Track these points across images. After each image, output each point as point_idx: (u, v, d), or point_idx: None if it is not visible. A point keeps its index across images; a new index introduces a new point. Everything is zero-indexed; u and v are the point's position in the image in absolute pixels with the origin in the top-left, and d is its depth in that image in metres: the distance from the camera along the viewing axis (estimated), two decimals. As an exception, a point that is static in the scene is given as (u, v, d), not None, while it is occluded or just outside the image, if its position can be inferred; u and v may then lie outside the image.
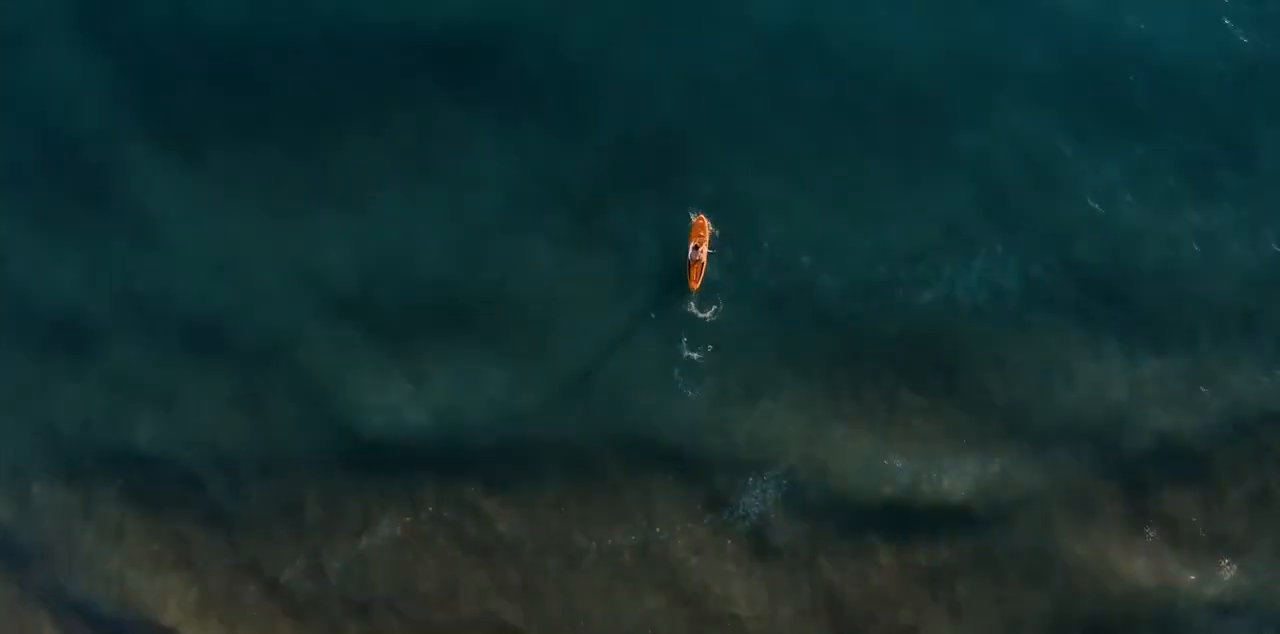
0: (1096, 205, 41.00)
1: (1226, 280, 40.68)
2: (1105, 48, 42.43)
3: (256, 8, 42.80)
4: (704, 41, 42.64)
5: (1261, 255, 40.78)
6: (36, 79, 42.54)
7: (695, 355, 39.88)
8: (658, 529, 38.49)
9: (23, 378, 40.02)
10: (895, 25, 42.48)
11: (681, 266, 40.16)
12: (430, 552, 38.38)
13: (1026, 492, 39.03)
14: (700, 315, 40.18)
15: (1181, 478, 39.10)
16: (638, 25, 42.63)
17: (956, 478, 39.08)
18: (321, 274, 40.58)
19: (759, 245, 40.64)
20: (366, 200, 41.09)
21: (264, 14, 42.70)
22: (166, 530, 38.51)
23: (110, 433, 39.30)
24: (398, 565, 38.39)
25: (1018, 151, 41.40)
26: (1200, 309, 40.33)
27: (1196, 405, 39.59)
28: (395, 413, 39.46)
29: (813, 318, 40.33)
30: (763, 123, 41.68)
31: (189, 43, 42.60)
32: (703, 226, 40.73)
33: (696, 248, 40.27)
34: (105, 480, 38.99)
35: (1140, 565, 38.57)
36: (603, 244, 40.99)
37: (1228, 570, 38.55)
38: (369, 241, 40.72)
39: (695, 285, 40.29)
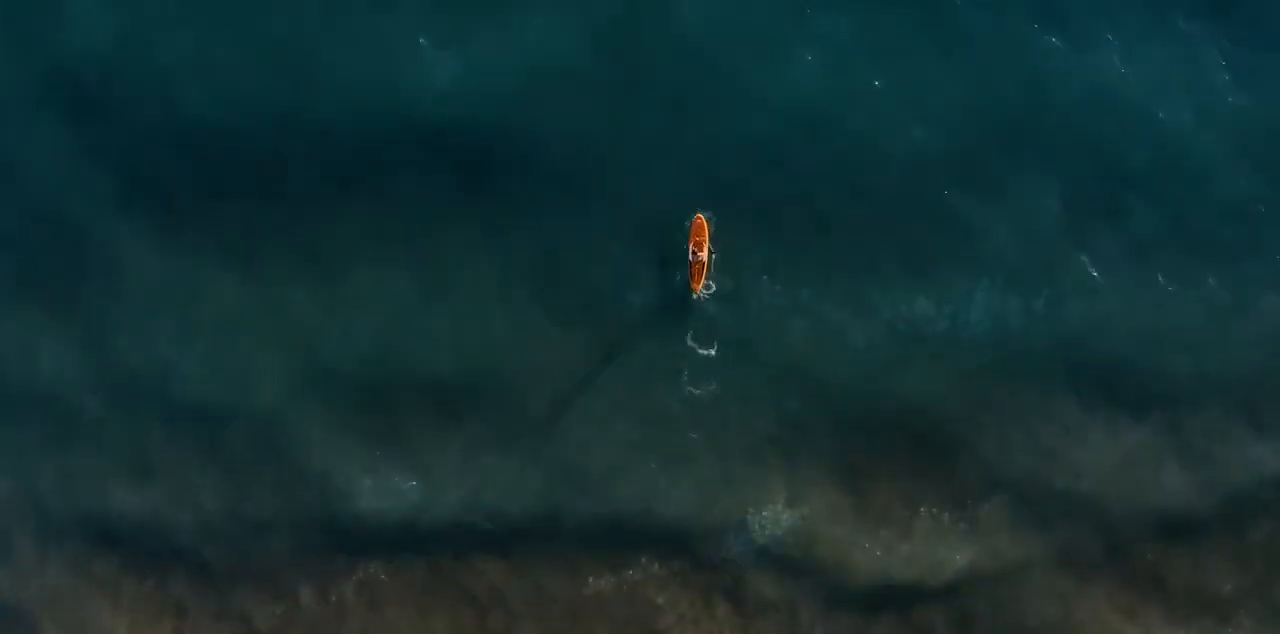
0: (1095, 272, 40.92)
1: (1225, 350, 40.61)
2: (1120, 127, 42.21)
3: (242, 92, 42.04)
4: (709, 130, 42.11)
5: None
6: (14, 152, 41.93)
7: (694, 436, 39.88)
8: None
9: (5, 446, 39.75)
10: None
11: (683, 297, 39.96)
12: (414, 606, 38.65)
13: (1019, 561, 38.98)
14: (694, 391, 39.80)
15: (1175, 542, 39.21)
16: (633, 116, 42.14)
17: (947, 553, 39.00)
18: (305, 349, 40.18)
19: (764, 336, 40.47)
20: (350, 276, 40.52)
21: (255, 99, 41.99)
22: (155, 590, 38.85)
23: (91, 498, 39.22)
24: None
25: (1024, 227, 41.27)
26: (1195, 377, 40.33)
27: (1189, 469, 39.67)
28: (382, 491, 39.36)
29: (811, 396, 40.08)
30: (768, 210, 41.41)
31: (176, 124, 41.92)
32: (702, 227, 40.13)
33: (696, 252, 39.78)
34: (89, 542, 38.97)
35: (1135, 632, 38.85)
36: (596, 319, 40.32)
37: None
38: (353, 317, 40.37)
39: (698, 287, 39.91)
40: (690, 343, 40.14)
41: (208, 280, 40.64)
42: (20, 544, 39.01)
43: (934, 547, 38.79)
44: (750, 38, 42.63)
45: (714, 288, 40.50)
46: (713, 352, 40.00)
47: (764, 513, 39.19)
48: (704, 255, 40.03)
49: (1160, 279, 40.75)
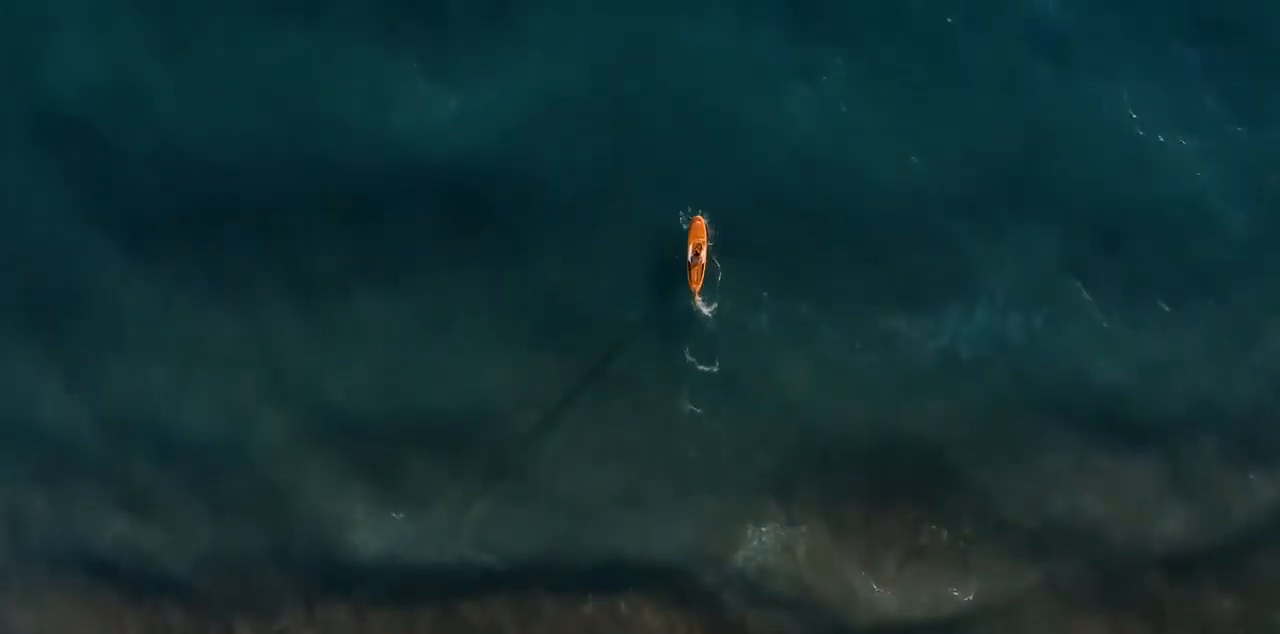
0: (1093, 302, 39.18)
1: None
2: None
3: (237, 126, 40.49)
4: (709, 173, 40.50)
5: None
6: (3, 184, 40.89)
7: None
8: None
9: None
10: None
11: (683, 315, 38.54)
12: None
13: (1019, 594, 37.65)
14: (695, 409, 38.44)
15: (1175, 573, 37.91)
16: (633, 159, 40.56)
17: (946, 586, 37.81)
18: (302, 383, 39.11)
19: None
20: (346, 311, 39.20)
21: (250, 132, 40.35)
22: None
23: (88, 530, 38.65)
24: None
25: (1023, 258, 39.58)
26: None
27: (1188, 499, 38.25)
28: (376, 524, 38.44)
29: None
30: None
31: (169, 158, 40.27)
32: (702, 229, 38.92)
33: (696, 254, 38.55)
34: (87, 573, 38.26)
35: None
36: (594, 344, 39.02)
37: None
38: (349, 351, 39.12)
39: (697, 287, 38.95)
40: (689, 358, 38.84)
41: (203, 315, 39.65)
42: (18, 575, 38.52)
43: (933, 580, 37.75)
44: (750, 71, 41.16)
45: (715, 306, 39.40)
46: (714, 369, 38.83)
47: (759, 542, 38.21)
48: (704, 257, 39.15)
49: (1160, 309, 39.35)
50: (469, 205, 40.75)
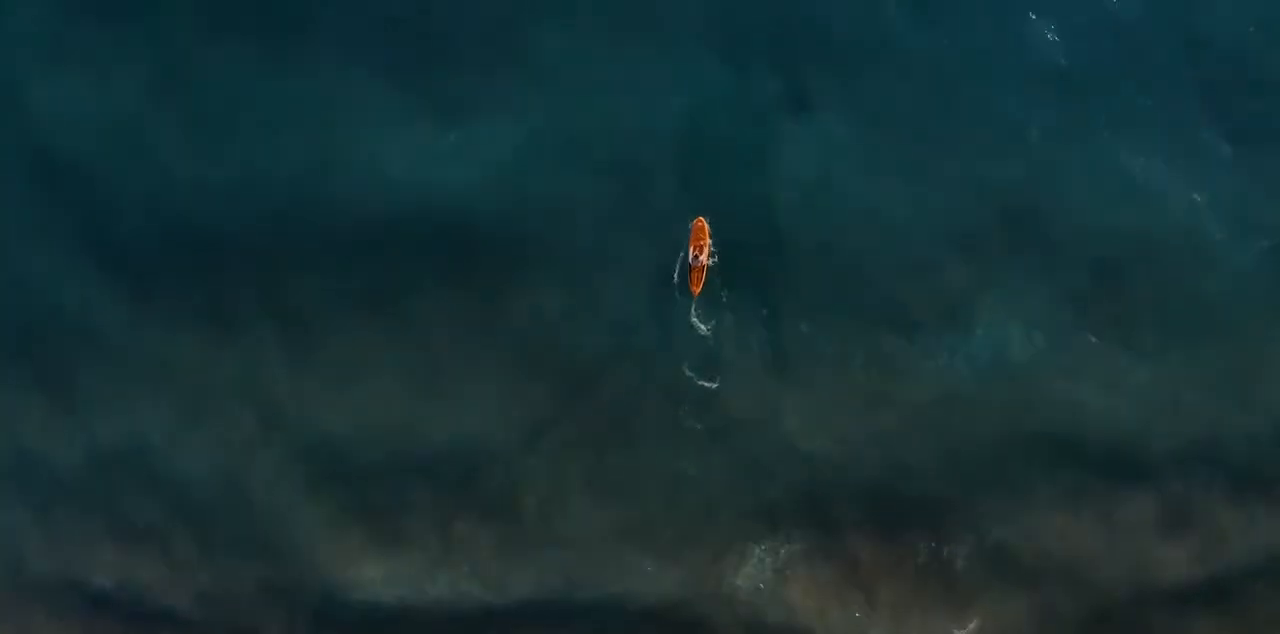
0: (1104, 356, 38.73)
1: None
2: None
3: (231, 166, 39.67)
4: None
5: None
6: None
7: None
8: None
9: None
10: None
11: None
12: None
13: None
14: (696, 426, 37.96)
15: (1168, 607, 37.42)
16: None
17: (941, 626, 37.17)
18: (296, 423, 38.27)
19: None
20: (337, 351, 38.45)
21: (244, 172, 39.52)
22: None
23: (81, 564, 37.91)
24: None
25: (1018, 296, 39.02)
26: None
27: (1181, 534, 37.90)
28: (370, 565, 37.55)
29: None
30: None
31: (161, 197, 39.50)
32: (703, 230, 38.37)
33: (697, 256, 38.09)
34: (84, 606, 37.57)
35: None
36: (592, 374, 38.26)
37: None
38: (341, 390, 38.29)
39: (697, 290, 38.58)
40: (688, 373, 38.02)
41: (199, 352, 38.88)
42: (14, 610, 38.16)
43: (931, 613, 37.01)
44: (749, 109, 40.54)
45: (714, 323, 38.61)
46: (714, 385, 38.14)
47: (756, 571, 37.29)
48: (705, 259, 38.49)
49: (1159, 343, 38.88)
50: (465, 242, 39.95)
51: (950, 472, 38.61)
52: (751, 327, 39.32)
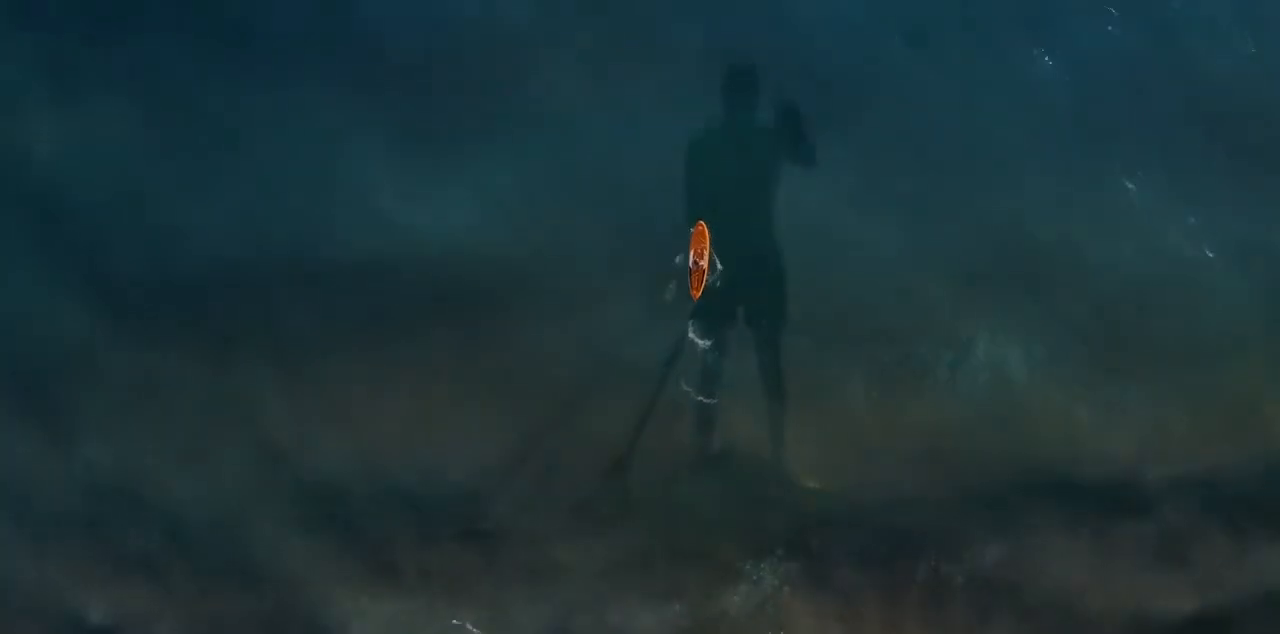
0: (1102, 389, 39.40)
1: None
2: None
3: (220, 200, 41.69)
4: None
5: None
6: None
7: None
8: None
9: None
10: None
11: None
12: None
13: None
14: (698, 445, 38.55)
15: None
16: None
17: None
18: (289, 461, 39.22)
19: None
20: (333, 389, 39.17)
21: (235, 206, 41.51)
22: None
23: (71, 602, 38.43)
24: None
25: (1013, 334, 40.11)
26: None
27: (1174, 569, 38.69)
28: (363, 606, 37.60)
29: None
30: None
31: (150, 230, 40.89)
32: (703, 234, 38.43)
33: (696, 260, 38.28)
34: None
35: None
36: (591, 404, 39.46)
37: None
38: (340, 433, 39.09)
39: (697, 294, 37.61)
40: (686, 387, 38.16)
41: (188, 384, 39.79)
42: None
43: None
44: (749, 138, 42.06)
45: (711, 341, 38.62)
46: (713, 400, 38.02)
47: (753, 601, 36.70)
48: (705, 264, 37.91)
49: (1159, 377, 39.48)
50: (459, 273, 41.81)
51: (950, 497, 39.94)
52: (750, 343, 41.22)
